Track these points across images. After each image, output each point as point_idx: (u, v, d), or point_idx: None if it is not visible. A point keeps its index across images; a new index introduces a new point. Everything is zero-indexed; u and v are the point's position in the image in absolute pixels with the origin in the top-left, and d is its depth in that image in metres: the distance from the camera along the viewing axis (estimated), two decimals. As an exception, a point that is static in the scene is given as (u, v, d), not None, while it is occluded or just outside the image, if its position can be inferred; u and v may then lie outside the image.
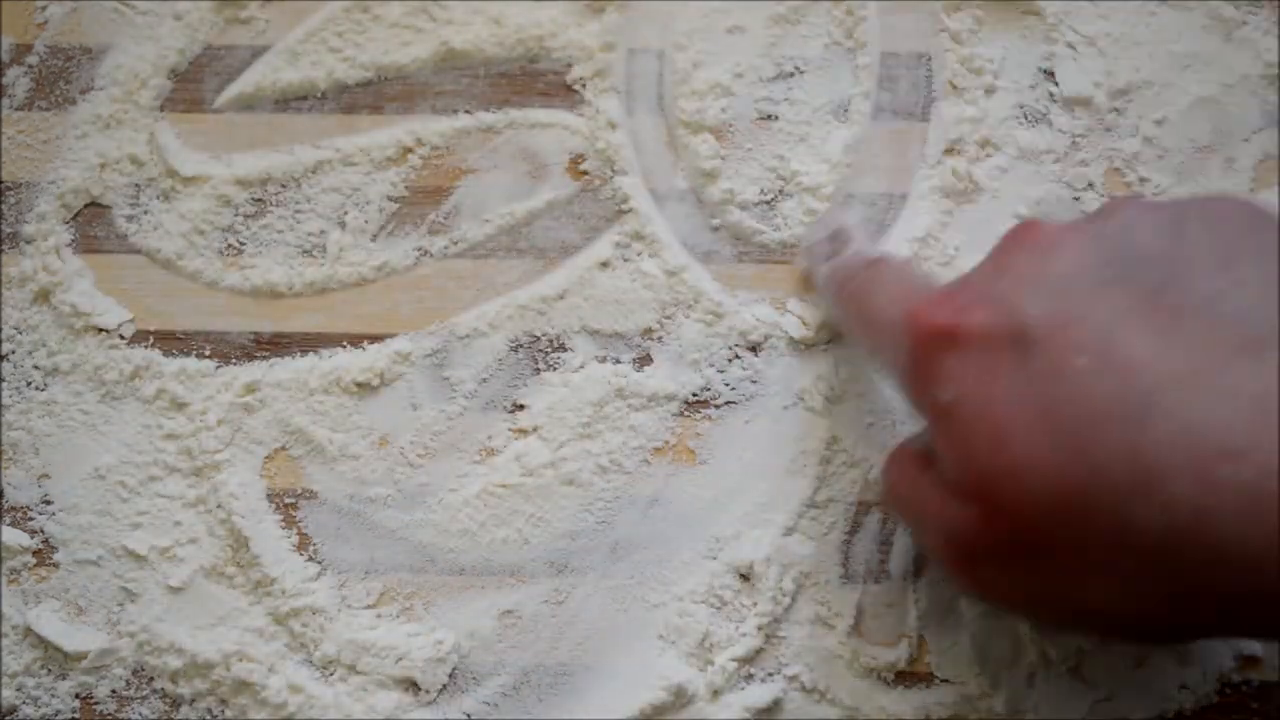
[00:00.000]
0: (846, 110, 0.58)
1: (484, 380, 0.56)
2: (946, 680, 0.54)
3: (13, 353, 0.56)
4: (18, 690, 0.54)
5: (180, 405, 0.56)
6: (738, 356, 0.56)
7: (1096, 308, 0.41)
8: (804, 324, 0.56)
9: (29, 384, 0.56)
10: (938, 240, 0.56)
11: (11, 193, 0.57)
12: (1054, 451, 0.40)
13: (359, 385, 0.56)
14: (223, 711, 0.54)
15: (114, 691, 0.54)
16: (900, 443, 0.50)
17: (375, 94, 0.58)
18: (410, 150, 0.58)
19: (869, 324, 0.49)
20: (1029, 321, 0.41)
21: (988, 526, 0.42)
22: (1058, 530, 0.40)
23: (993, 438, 0.41)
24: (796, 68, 0.58)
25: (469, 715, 0.54)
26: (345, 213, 0.57)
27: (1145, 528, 0.39)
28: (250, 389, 0.56)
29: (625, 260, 0.57)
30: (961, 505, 0.43)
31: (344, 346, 0.57)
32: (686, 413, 0.56)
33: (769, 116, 0.58)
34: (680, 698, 0.53)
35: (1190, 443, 0.38)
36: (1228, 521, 0.37)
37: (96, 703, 0.54)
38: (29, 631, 0.54)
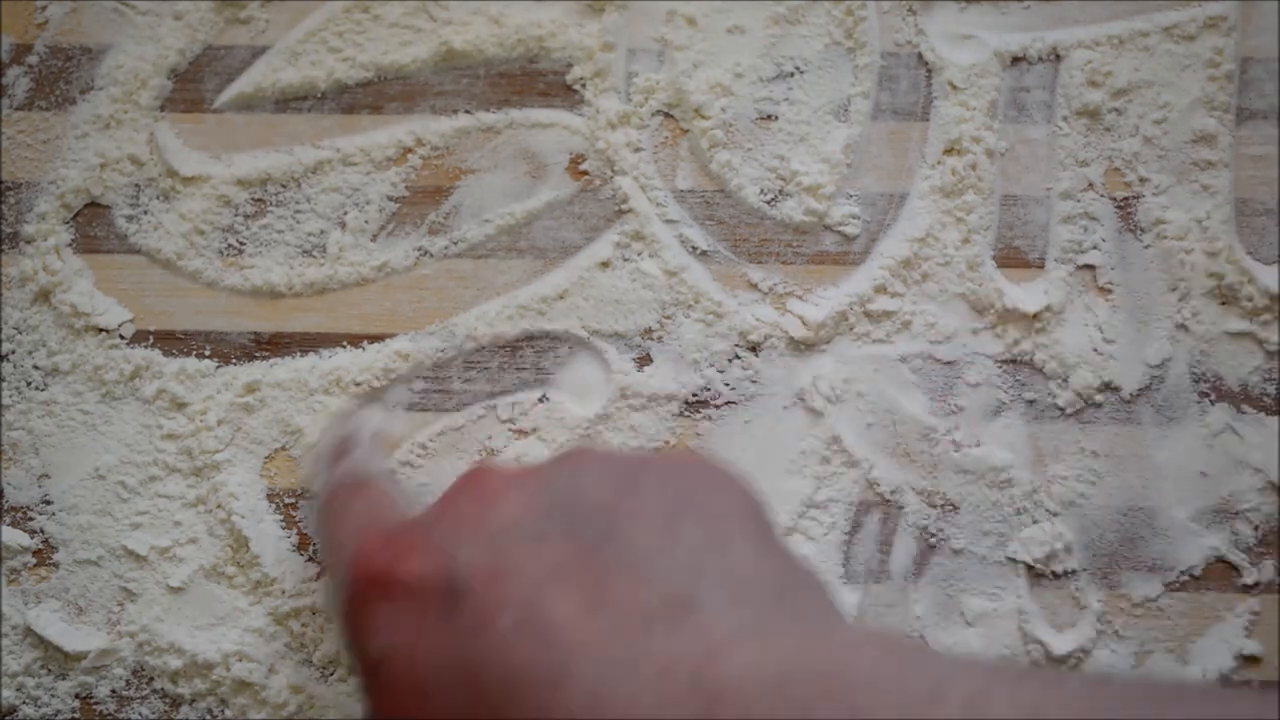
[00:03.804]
0: (846, 110, 0.58)
1: (484, 380, 0.56)
2: (946, 680, 0.54)
3: (13, 353, 0.56)
4: (18, 690, 0.54)
5: (180, 405, 0.56)
6: (738, 356, 0.56)
7: (530, 561, 0.39)
8: (804, 324, 0.56)
9: (29, 384, 0.56)
10: (937, 240, 0.56)
11: (11, 193, 0.57)
12: (470, 712, 0.38)
13: (359, 385, 0.56)
14: (223, 711, 0.54)
15: (114, 691, 0.54)
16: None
17: (375, 94, 0.58)
18: (410, 150, 0.58)
19: (327, 555, 0.47)
20: (460, 572, 0.39)
21: None
22: None
23: (413, 696, 0.39)
24: (796, 68, 0.58)
25: (469, 715, 0.54)
26: (345, 213, 0.57)
27: None
28: (250, 389, 0.56)
29: (625, 260, 0.57)
30: None
31: (344, 346, 0.57)
32: (686, 413, 0.56)
33: (769, 116, 0.58)
34: (680, 698, 0.53)
35: (597, 714, 0.36)
36: None
37: (96, 703, 0.54)
38: (29, 631, 0.54)
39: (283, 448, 0.56)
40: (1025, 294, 0.56)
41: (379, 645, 0.41)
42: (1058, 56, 0.58)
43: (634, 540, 0.39)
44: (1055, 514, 0.55)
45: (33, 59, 0.58)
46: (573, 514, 0.40)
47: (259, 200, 0.57)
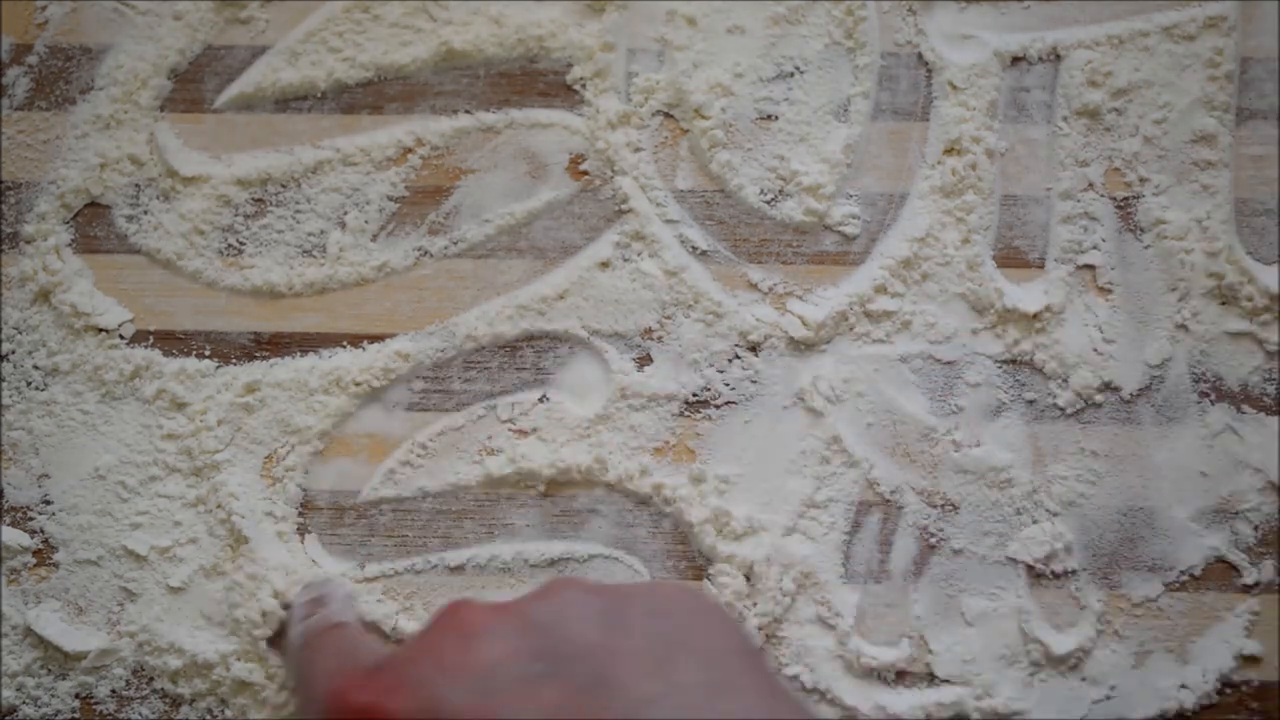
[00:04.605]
0: (846, 110, 0.58)
1: (484, 380, 0.56)
2: (946, 680, 0.54)
3: (13, 353, 0.56)
4: (18, 690, 0.54)
5: (180, 405, 0.56)
6: (738, 356, 0.56)
7: (521, 706, 0.38)
8: (804, 324, 0.56)
9: (29, 384, 0.56)
10: (937, 240, 0.57)
11: (11, 193, 0.57)
12: None
13: (359, 385, 0.56)
14: (223, 711, 0.54)
15: (114, 691, 0.54)
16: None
17: (375, 94, 0.58)
18: (410, 150, 0.58)
19: (304, 692, 0.46)
20: (447, 716, 0.39)
21: None
22: None
23: None
24: (796, 68, 0.58)
25: (469, 715, 0.54)
26: (345, 213, 0.57)
27: None
28: (250, 389, 0.56)
29: (625, 260, 0.57)
30: None
31: (344, 346, 0.57)
32: (686, 413, 0.56)
33: (769, 116, 0.58)
34: (680, 698, 0.53)
35: None
36: None
37: (96, 703, 0.54)
38: (29, 631, 0.54)
39: (283, 447, 0.56)
40: (1025, 294, 0.56)
41: None
42: (1058, 56, 0.58)
43: (628, 685, 0.38)
44: (1055, 514, 0.55)
45: (33, 59, 0.58)
46: (559, 655, 0.39)
47: (259, 200, 0.57)
